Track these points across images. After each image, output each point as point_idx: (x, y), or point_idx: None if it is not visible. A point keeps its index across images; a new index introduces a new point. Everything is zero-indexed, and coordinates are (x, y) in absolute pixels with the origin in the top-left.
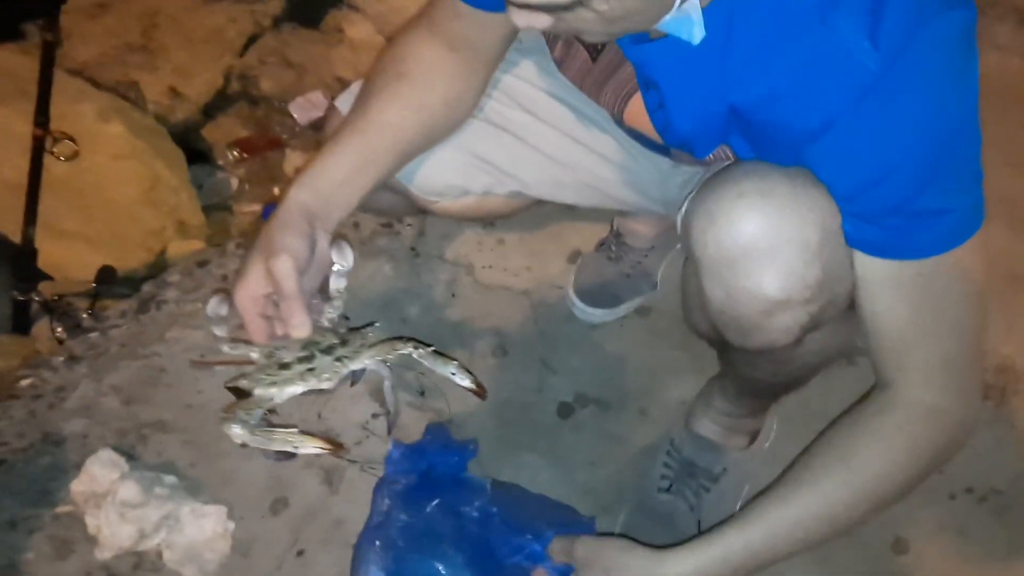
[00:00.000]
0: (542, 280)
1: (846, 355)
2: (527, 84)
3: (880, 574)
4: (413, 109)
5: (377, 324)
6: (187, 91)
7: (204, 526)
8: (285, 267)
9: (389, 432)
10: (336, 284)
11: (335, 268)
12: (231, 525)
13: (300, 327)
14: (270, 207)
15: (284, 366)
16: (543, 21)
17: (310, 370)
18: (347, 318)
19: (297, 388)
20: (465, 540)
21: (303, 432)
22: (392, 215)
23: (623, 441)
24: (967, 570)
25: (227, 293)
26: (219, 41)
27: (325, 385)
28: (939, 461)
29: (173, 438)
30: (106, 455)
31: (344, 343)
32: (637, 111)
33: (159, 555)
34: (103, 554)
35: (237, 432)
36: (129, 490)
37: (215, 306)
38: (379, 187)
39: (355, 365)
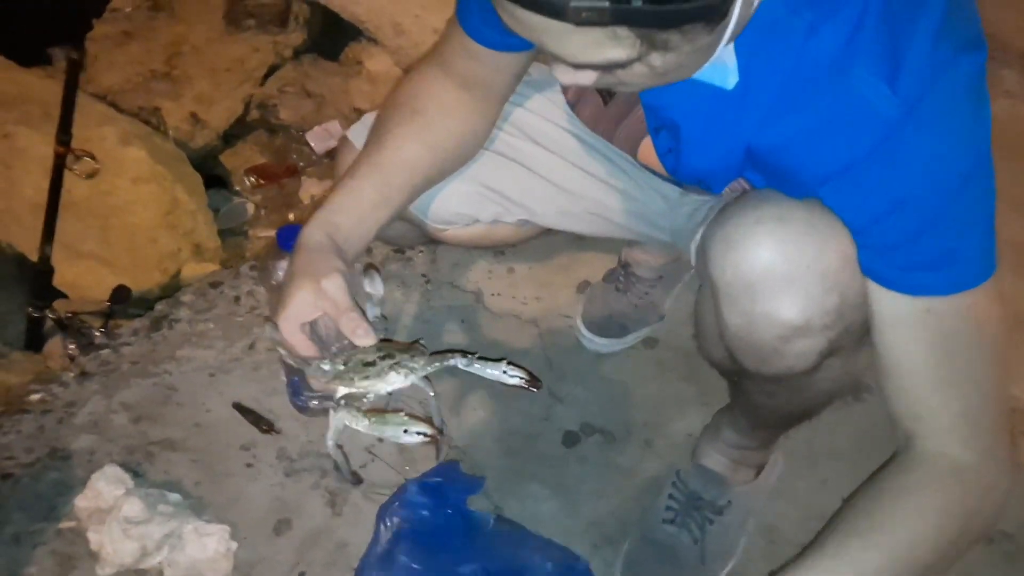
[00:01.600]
0: (550, 309)
1: (858, 389)
2: (536, 116)
3: None
4: (427, 146)
5: (423, 340)
6: (208, 118)
7: (206, 545)
8: (338, 284)
9: (438, 455)
10: (371, 312)
11: (368, 296)
12: (234, 545)
13: (366, 335)
14: (284, 230)
15: (369, 364)
16: (589, 78)
17: (396, 364)
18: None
19: (391, 382)
20: None
21: (410, 415)
22: (402, 244)
23: (628, 472)
24: None
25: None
26: (240, 70)
27: (410, 381)
28: (974, 529)
29: (180, 456)
30: (112, 471)
31: (405, 351)
32: (650, 151)
33: (160, 573)
34: (105, 570)
35: (350, 420)
36: (133, 507)
37: (271, 331)
38: (393, 220)
39: (428, 367)
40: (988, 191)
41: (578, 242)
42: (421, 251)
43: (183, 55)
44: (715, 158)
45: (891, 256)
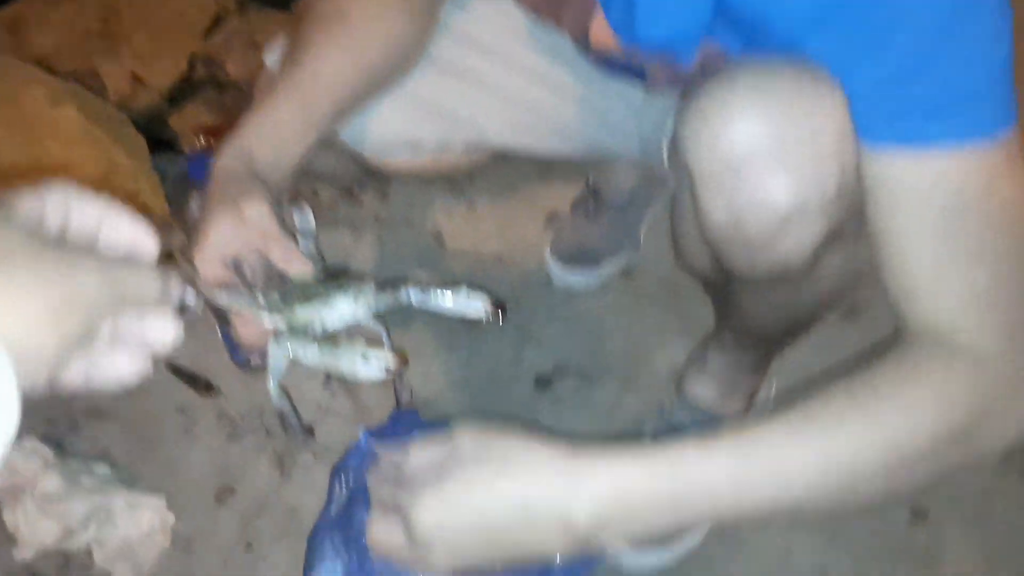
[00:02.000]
0: (517, 245)
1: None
2: (479, 23)
3: (897, 547)
4: (352, 57)
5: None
6: (149, 78)
7: (139, 519)
8: (262, 209)
9: (399, 403)
10: (304, 247)
11: (300, 230)
12: (171, 518)
13: (303, 264)
14: (194, 158)
15: (308, 289)
16: None
17: (340, 287)
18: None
19: (338, 307)
20: None
21: (369, 341)
22: (343, 181)
23: (607, 413)
24: (992, 541)
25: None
26: (182, 25)
27: (361, 308)
28: (989, 430)
29: (110, 426)
30: (30, 444)
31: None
32: (603, 31)
33: (89, 553)
34: (24, 553)
35: (295, 349)
36: (51, 482)
37: (188, 271)
38: (318, 146)
39: (378, 296)
40: (1003, 13)
41: (543, 171)
42: (371, 190)
43: (119, 12)
44: (678, 17)
45: (880, 98)
